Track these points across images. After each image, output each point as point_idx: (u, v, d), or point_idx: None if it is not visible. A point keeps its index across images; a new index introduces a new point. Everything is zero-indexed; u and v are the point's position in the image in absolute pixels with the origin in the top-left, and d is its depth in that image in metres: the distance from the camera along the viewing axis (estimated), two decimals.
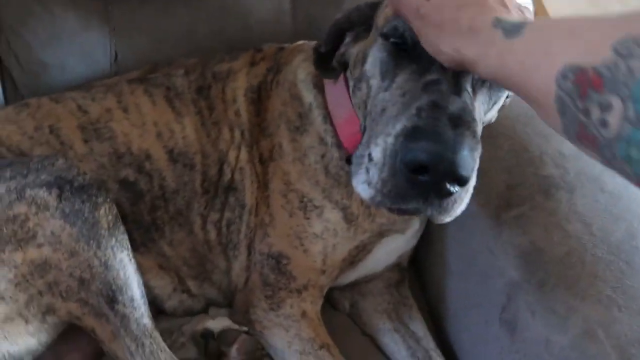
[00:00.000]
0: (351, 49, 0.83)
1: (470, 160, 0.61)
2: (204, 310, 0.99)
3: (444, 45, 0.61)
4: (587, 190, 0.85)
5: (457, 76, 0.66)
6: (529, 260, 0.80)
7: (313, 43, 0.97)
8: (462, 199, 0.66)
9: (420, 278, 1.09)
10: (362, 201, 0.87)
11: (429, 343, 0.96)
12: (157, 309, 0.95)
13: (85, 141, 0.92)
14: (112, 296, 0.77)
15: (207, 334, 0.91)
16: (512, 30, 0.54)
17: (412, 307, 1.02)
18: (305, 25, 1.17)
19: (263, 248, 0.90)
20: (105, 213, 0.79)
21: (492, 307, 0.84)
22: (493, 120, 0.83)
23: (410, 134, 0.62)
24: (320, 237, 0.87)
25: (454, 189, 0.62)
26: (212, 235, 0.94)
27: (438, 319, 1.01)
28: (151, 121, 0.94)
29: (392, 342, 0.98)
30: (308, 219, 0.87)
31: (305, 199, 0.87)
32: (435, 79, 0.66)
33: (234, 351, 0.89)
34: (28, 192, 0.75)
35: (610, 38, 0.43)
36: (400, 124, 0.63)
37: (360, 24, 0.81)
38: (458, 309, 0.94)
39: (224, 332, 0.91)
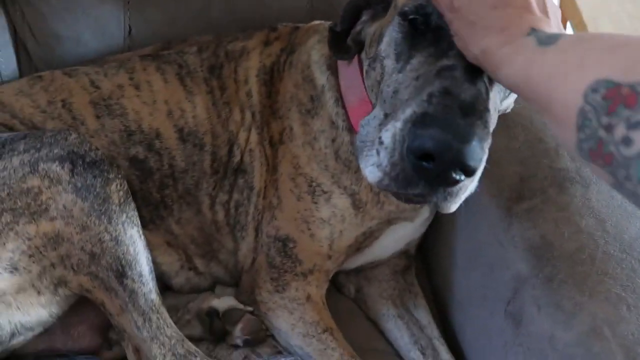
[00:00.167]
0: (368, 28, 0.81)
1: (479, 150, 0.60)
2: (211, 288, 1.00)
3: (472, 43, 0.60)
4: (603, 186, 0.83)
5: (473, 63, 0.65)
6: (537, 255, 0.79)
7: (329, 23, 0.96)
8: (467, 187, 0.65)
9: (427, 266, 1.09)
10: (371, 188, 0.87)
11: (433, 331, 0.96)
12: (164, 285, 0.96)
13: (97, 117, 0.92)
14: (121, 271, 0.78)
15: (212, 313, 0.92)
16: (547, 40, 0.52)
17: (418, 294, 1.02)
18: (322, 3, 1.15)
19: (270, 231, 0.90)
20: (117, 189, 0.79)
21: (498, 300, 0.83)
22: (509, 109, 0.81)
23: (419, 121, 0.60)
24: (327, 223, 0.87)
25: (460, 178, 0.61)
26: (220, 215, 0.95)
27: (443, 308, 1.01)
28: (162, 99, 0.94)
29: (396, 328, 0.98)
30: (316, 203, 0.87)
31: (313, 184, 0.87)
32: (450, 64, 0.64)
33: (238, 330, 0.90)
34: (41, 165, 0.76)
35: None
36: (410, 110, 0.62)
37: (378, 2, 0.79)
38: (464, 299, 0.94)
39: (229, 312, 0.92)
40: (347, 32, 0.82)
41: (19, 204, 0.74)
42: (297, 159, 0.88)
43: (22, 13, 1.08)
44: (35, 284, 0.78)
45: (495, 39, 0.57)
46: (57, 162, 0.76)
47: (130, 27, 1.11)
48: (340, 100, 0.87)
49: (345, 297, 1.05)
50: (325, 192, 0.87)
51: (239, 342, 0.91)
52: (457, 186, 0.63)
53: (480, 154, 0.60)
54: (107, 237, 0.77)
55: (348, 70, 0.86)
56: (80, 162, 0.77)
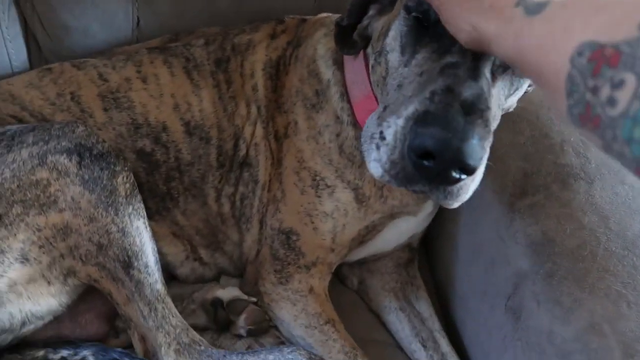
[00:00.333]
0: (375, 23, 0.81)
1: (479, 149, 0.60)
2: (216, 279, 1.02)
3: (462, 21, 0.59)
4: (607, 182, 0.82)
5: (477, 60, 0.64)
6: (538, 251, 0.79)
7: (336, 16, 0.95)
8: (468, 186, 0.65)
9: (430, 259, 1.09)
10: (374, 182, 0.87)
11: (434, 324, 0.97)
12: (169, 275, 0.98)
13: (105, 110, 0.93)
14: (127, 261, 0.80)
15: (216, 303, 0.94)
16: (534, 8, 0.51)
17: (420, 287, 1.03)
18: None
19: (274, 223, 0.91)
20: (123, 181, 0.80)
21: (498, 294, 0.84)
22: (512, 108, 0.80)
23: (421, 119, 0.61)
24: (330, 216, 0.88)
25: (460, 177, 0.61)
26: (226, 208, 0.96)
27: (445, 302, 1.02)
28: (169, 93, 0.94)
29: (397, 320, 0.99)
30: (319, 197, 0.88)
31: (317, 178, 0.88)
32: (453, 61, 0.64)
33: (241, 321, 0.92)
34: (50, 158, 0.77)
35: (636, 15, 0.41)
36: (413, 107, 0.62)
37: None
38: (465, 293, 0.95)
39: (233, 302, 0.93)
40: (353, 26, 0.82)
41: (29, 195, 0.76)
42: (302, 153, 0.89)
43: (32, 4, 1.09)
44: (46, 275, 0.79)
45: (485, 15, 0.56)
46: (64, 155, 0.77)
47: (138, 18, 1.11)
48: (345, 95, 0.87)
49: (348, 289, 1.06)
50: (328, 186, 0.88)
51: (242, 332, 0.92)
52: (458, 185, 0.64)
53: (480, 152, 0.60)
54: (114, 228, 0.79)
55: (354, 65, 0.86)
56: (88, 155, 0.78)
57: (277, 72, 0.94)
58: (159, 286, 0.82)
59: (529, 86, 0.78)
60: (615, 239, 0.76)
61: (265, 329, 0.93)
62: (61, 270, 0.80)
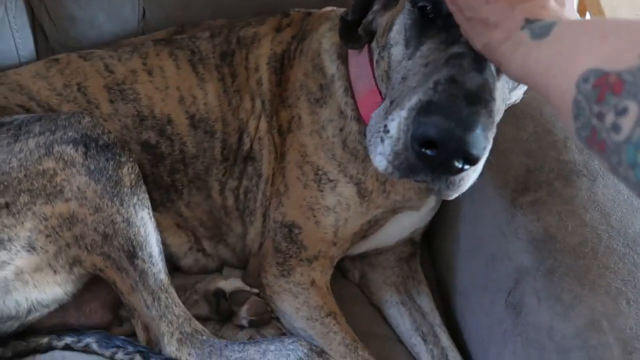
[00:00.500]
0: (379, 18, 0.81)
1: (483, 139, 0.60)
2: (218, 270, 1.03)
3: (476, 40, 0.61)
4: (610, 179, 0.82)
5: None
6: (539, 247, 0.80)
7: (341, 10, 0.96)
8: (469, 176, 0.65)
9: (431, 254, 1.10)
10: (377, 177, 0.88)
11: (435, 318, 0.98)
12: (173, 266, 0.99)
13: (111, 101, 0.94)
14: (132, 251, 0.81)
15: (219, 294, 0.94)
16: (540, 32, 0.53)
17: (421, 282, 1.03)
18: None
19: (277, 217, 0.91)
20: (128, 172, 0.81)
21: (499, 290, 0.84)
22: (518, 100, 0.80)
23: (424, 109, 0.61)
24: (333, 210, 0.88)
25: (463, 166, 0.61)
26: (230, 201, 0.96)
27: (446, 296, 1.02)
28: (174, 85, 0.95)
29: (398, 314, 1.00)
30: (321, 191, 0.88)
31: (320, 172, 0.88)
32: (459, 52, 0.64)
33: (243, 311, 0.93)
34: (56, 148, 0.78)
35: (638, 45, 0.43)
36: (416, 97, 0.62)
37: None
38: (466, 288, 0.95)
39: (235, 293, 0.94)
40: (358, 21, 0.82)
41: (36, 185, 0.77)
42: (305, 148, 0.89)
43: None
44: (52, 264, 0.80)
45: (493, 35, 0.57)
46: (71, 145, 0.78)
47: (144, 10, 1.12)
48: (349, 89, 0.87)
49: (350, 282, 1.07)
50: (331, 181, 0.88)
51: (244, 322, 0.93)
52: (460, 175, 0.64)
53: (483, 142, 0.60)
54: (119, 218, 0.80)
55: (358, 60, 0.86)
56: (94, 145, 0.79)
57: (282, 66, 0.95)
58: (163, 276, 0.83)
59: None
60: (616, 236, 0.77)
61: (267, 320, 0.94)
62: (67, 260, 0.81)
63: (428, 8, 0.69)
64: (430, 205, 0.96)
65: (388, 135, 0.64)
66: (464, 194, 0.69)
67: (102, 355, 0.84)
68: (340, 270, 1.07)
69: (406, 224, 0.96)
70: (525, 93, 0.80)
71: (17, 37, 1.09)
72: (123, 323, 0.92)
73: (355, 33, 0.83)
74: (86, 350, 0.84)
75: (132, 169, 0.82)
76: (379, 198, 0.89)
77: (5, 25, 1.07)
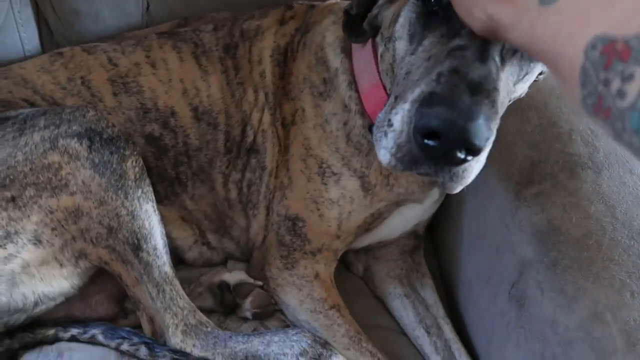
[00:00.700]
0: (385, 12, 0.80)
1: (485, 129, 0.59)
2: (223, 263, 1.03)
3: (476, 9, 0.59)
4: (615, 172, 0.82)
5: (485, 43, 0.64)
6: (543, 239, 0.79)
7: (344, 3, 0.95)
8: (472, 167, 0.65)
9: (435, 247, 1.10)
10: (380, 170, 0.88)
11: (438, 311, 0.98)
12: (178, 259, 0.99)
13: (115, 94, 0.94)
14: (137, 244, 0.81)
15: (223, 286, 0.95)
16: None
17: (425, 274, 1.03)
18: None
19: (280, 210, 0.92)
20: (133, 165, 0.82)
21: (503, 282, 0.84)
22: (523, 94, 0.80)
23: (426, 100, 0.61)
24: (336, 204, 0.88)
25: (466, 157, 0.61)
26: (233, 194, 0.97)
27: (450, 289, 1.02)
28: (178, 78, 0.95)
29: (402, 306, 1.00)
30: (325, 184, 0.88)
31: (324, 165, 0.88)
32: (461, 44, 0.64)
33: (247, 304, 0.93)
34: (61, 141, 0.78)
35: None
36: (419, 90, 0.62)
37: None
38: (470, 280, 0.95)
39: (239, 285, 0.95)
40: (362, 15, 0.82)
41: (41, 178, 0.77)
42: (309, 141, 0.89)
43: None
44: (58, 257, 0.81)
45: (500, 4, 0.56)
46: (75, 139, 0.78)
47: (148, 3, 1.12)
48: (353, 83, 0.87)
49: (354, 275, 1.07)
50: (335, 174, 0.88)
51: (248, 314, 0.94)
52: (463, 166, 0.63)
53: (486, 133, 0.59)
54: (123, 211, 0.80)
55: (362, 54, 0.86)
56: (98, 139, 0.79)
57: (285, 58, 0.95)
58: (167, 269, 0.84)
59: (540, 74, 0.77)
60: (621, 228, 0.76)
61: (271, 312, 0.94)
62: (73, 253, 0.82)
63: (432, 0, 0.68)
64: (433, 198, 0.95)
65: (392, 129, 0.64)
66: (467, 187, 0.69)
67: (107, 346, 0.85)
68: (344, 263, 1.08)
69: (409, 216, 0.96)
70: (530, 87, 0.79)
71: (22, 31, 1.09)
72: (128, 315, 0.93)
73: (359, 27, 0.83)
74: (92, 341, 0.85)
75: (136, 162, 0.82)
76: (382, 191, 0.89)
77: (10, 19, 1.07)
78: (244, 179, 0.96)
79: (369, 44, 0.85)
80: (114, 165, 0.80)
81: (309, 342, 0.82)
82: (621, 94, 0.43)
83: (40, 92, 0.94)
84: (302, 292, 0.90)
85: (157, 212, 0.84)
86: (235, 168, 0.95)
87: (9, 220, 0.76)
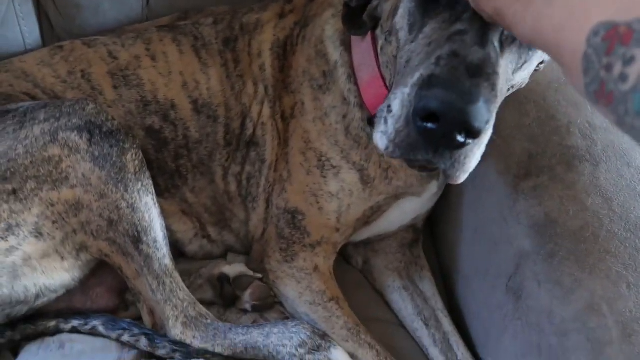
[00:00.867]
0: (384, 3, 0.80)
1: (485, 111, 0.59)
2: (223, 256, 1.04)
3: (485, 4, 0.60)
4: (613, 165, 0.82)
5: (484, 28, 0.64)
6: (541, 232, 0.80)
7: None
8: (473, 153, 0.64)
9: (434, 240, 1.10)
10: (379, 164, 0.88)
11: (437, 303, 0.98)
12: (178, 252, 1.00)
13: (115, 87, 0.94)
14: (137, 237, 0.82)
15: (223, 278, 0.96)
16: None
17: (424, 267, 1.04)
18: None
19: (280, 203, 0.92)
20: (132, 158, 0.82)
21: (500, 274, 0.85)
22: (524, 84, 0.80)
23: (426, 83, 0.60)
24: (336, 197, 0.89)
25: (465, 140, 0.60)
26: (233, 187, 0.97)
27: (449, 281, 1.03)
28: (177, 71, 0.95)
29: (400, 299, 1.01)
30: (325, 177, 0.89)
31: (323, 158, 0.89)
32: (461, 29, 0.64)
33: (247, 296, 0.94)
34: (61, 135, 0.78)
35: None
36: (419, 74, 0.62)
37: None
38: (468, 273, 0.96)
39: (239, 278, 0.95)
40: (362, 7, 0.82)
41: (42, 171, 0.77)
42: (308, 134, 0.90)
43: None
44: (59, 250, 0.81)
45: None
46: (75, 132, 0.79)
47: None
48: (352, 76, 0.87)
49: (353, 268, 1.08)
50: (334, 167, 0.88)
51: (247, 307, 0.94)
52: (464, 151, 0.63)
53: (486, 115, 0.59)
54: (123, 204, 0.80)
55: (361, 47, 0.86)
56: (98, 132, 0.80)
57: (285, 52, 0.95)
58: (167, 261, 0.84)
59: (540, 63, 0.77)
60: (618, 221, 0.77)
61: (270, 305, 0.95)
62: (74, 246, 0.82)
63: None
64: (432, 191, 0.96)
65: (391, 115, 0.64)
66: (466, 180, 0.69)
67: (108, 337, 0.85)
68: (344, 257, 1.08)
69: (408, 209, 0.97)
70: (530, 78, 0.80)
71: (23, 25, 1.09)
72: (129, 307, 0.93)
73: (359, 19, 0.83)
74: (93, 332, 0.86)
75: (136, 155, 0.83)
76: (381, 184, 0.89)
77: (11, 13, 1.07)
78: (243, 171, 0.96)
79: (368, 37, 0.85)
80: (114, 159, 0.80)
81: (308, 333, 0.83)
82: (623, 77, 0.44)
83: (41, 86, 0.94)
84: (302, 285, 0.90)
85: (157, 204, 0.84)
86: (235, 161, 0.96)
87: (10, 213, 0.77)
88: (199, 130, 0.95)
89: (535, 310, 0.77)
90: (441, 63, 0.61)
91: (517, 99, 0.87)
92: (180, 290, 0.85)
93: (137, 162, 0.83)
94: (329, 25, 0.92)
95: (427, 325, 0.96)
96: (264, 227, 0.96)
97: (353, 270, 1.07)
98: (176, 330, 0.84)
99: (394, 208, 0.94)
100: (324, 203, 0.89)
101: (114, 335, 0.85)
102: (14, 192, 0.77)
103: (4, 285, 0.80)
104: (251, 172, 0.96)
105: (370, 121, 0.74)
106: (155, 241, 0.83)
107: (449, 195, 1.01)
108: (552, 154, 0.85)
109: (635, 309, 0.69)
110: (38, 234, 0.79)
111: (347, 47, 0.89)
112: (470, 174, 0.68)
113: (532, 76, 0.80)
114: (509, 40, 0.67)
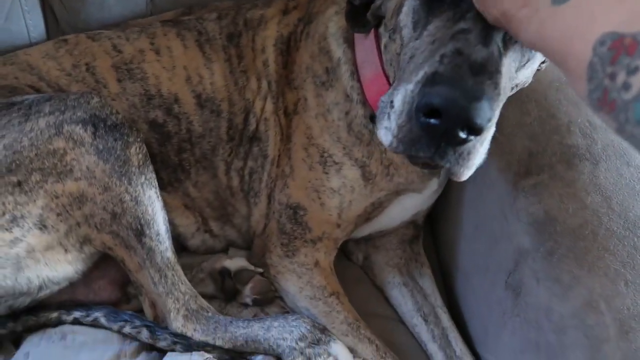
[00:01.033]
0: (388, 2, 0.81)
1: (487, 109, 0.59)
2: (224, 251, 1.04)
3: (492, 6, 0.61)
4: (612, 163, 0.83)
5: (488, 28, 0.64)
6: (540, 229, 0.80)
7: None
8: (476, 150, 0.65)
9: (434, 237, 1.11)
10: (381, 160, 0.89)
11: (436, 300, 0.99)
12: (180, 246, 1.01)
13: (119, 81, 0.95)
14: (140, 230, 0.82)
15: (224, 272, 0.96)
16: None
17: (424, 264, 1.04)
18: None
19: (282, 198, 0.93)
20: (136, 152, 0.83)
21: (499, 271, 0.85)
22: (527, 83, 0.80)
23: (429, 80, 0.61)
24: (337, 193, 0.89)
25: (467, 137, 0.61)
26: (235, 182, 0.98)
27: (448, 278, 1.03)
28: (181, 65, 0.96)
29: (400, 295, 1.01)
30: (327, 173, 0.89)
31: (325, 154, 0.89)
32: (465, 28, 0.64)
33: (248, 290, 0.95)
34: (66, 127, 0.79)
35: None
36: (422, 71, 0.63)
37: None
38: (467, 270, 0.96)
39: (240, 272, 0.96)
40: (365, 5, 0.82)
41: (47, 164, 0.78)
42: (311, 130, 0.90)
43: None
44: (63, 242, 0.82)
45: (514, 2, 0.58)
46: (80, 125, 0.79)
47: None
48: (355, 73, 0.87)
49: (354, 264, 1.09)
50: (336, 163, 0.89)
51: (248, 300, 0.95)
52: (467, 147, 0.63)
53: (488, 113, 0.60)
54: (127, 197, 0.81)
55: (364, 44, 0.86)
56: (102, 125, 0.80)
57: (288, 48, 0.95)
58: (169, 254, 0.85)
59: (542, 62, 0.78)
60: (617, 219, 0.77)
61: (271, 299, 0.95)
62: (77, 238, 0.83)
63: None
64: (432, 188, 0.96)
65: (393, 110, 0.65)
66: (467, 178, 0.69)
67: (110, 329, 0.86)
68: (344, 252, 1.09)
69: (408, 205, 0.97)
70: (533, 77, 0.80)
71: (27, 18, 1.09)
72: (131, 300, 0.94)
73: (362, 17, 0.83)
74: (94, 324, 0.86)
75: (139, 148, 0.83)
76: (382, 181, 0.90)
77: (16, 7, 1.08)
78: (246, 166, 0.97)
79: (371, 35, 0.85)
80: (118, 152, 0.80)
81: (308, 327, 0.83)
82: (626, 86, 0.45)
83: (46, 79, 0.95)
84: (302, 280, 0.91)
85: (160, 198, 0.85)
86: (237, 156, 0.96)
87: (15, 205, 0.77)
88: (202, 124, 0.95)
89: (533, 307, 0.77)
90: (445, 61, 0.62)
91: (518, 98, 0.88)
92: (181, 283, 0.86)
93: (140, 155, 0.83)
94: (333, 23, 0.92)
95: (426, 321, 0.97)
96: (266, 222, 0.97)
97: (353, 266, 1.08)
98: (177, 323, 0.85)
99: (394, 204, 0.95)
100: (325, 199, 0.90)
101: (115, 327, 0.86)
102: (19, 184, 0.77)
103: (8, 276, 0.80)
104: (253, 167, 0.96)
105: (373, 118, 0.74)
106: (158, 234, 0.83)
107: (450, 193, 1.02)
108: (553, 152, 0.85)
109: (632, 306, 0.70)
110: (42, 226, 0.79)
111: (350, 44, 0.89)
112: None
113: (533, 75, 0.80)
114: (512, 39, 0.67)
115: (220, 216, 1.01)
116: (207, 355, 0.81)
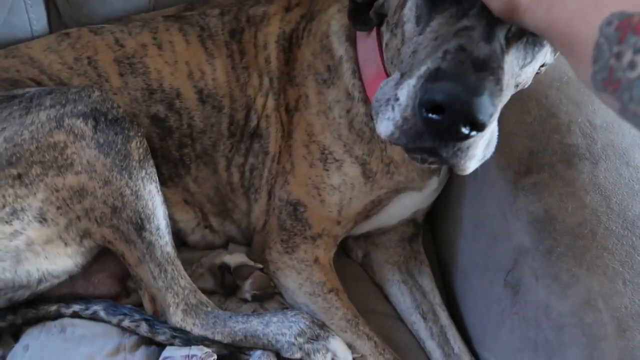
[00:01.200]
0: (392, 0, 0.81)
1: (489, 105, 0.60)
2: (224, 246, 1.04)
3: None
4: (612, 163, 0.83)
5: (492, 24, 0.65)
6: (540, 228, 0.81)
7: None
8: (478, 145, 0.65)
9: (434, 236, 1.11)
10: (381, 158, 0.89)
11: (435, 297, 0.99)
12: (180, 242, 1.01)
13: (121, 75, 0.95)
14: (140, 224, 0.82)
15: (224, 268, 0.97)
16: None
17: (423, 262, 1.05)
18: None
19: (282, 195, 0.93)
20: (137, 146, 0.83)
21: (498, 270, 0.86)
22: (528, 84, 0.80)
23: (432, 76, 0.62)
24: (338, 190, 0.90)
25: (470, 132, 0.61)
26: (236, 178, 0.98)
27: (448, 276, 1.04)
28: (183, 60, 0.96)
29: (399, 292, 1.02)
30: (327, 170, 0.89)
31: (326, 152, 0.89)
32: (468, 25, 0.65)
33: (247, 285, 0.95)
34: (66, 121, 0.79)
35: None
36: (425, 67, 0.63)
37: None
38: (466, 268, 0.97)
39: (239, 267, 0.96)
40: (368, 3, 0.82)
41: (47, 157, 0.78)
42: (312, 127, 0.90)
43: None
44: (63, 236, 0.82)
45: None
46: (81, 119, 0.79)
47: None
48: (357, 71, 0.88)
49: (353, 261, 1.09)
50: (337, 160, 0.89)
51: (247, 296, 0.95)
52: (467, 142, 0.64)
53: (490, 109, 0.60)
54: (127, 191, 0.81)
55: (366, 42, 0.87)
56: (103, 119, 0.80)
57: (290, 45, 0.95)
58: (169, 249, 0.85)
59: (542, 66, 0.78)
60: (616, 218, 0.77)
61: (270, 294, 0.96)
62: (77, 232, 0.83)
63: None
64: (432, 186, 0.97)
65: (398, 103, 0.65)
66: (467, 176, 0.70)
67: (109, 322, 0.86)
68: (344, 250, 1.09)
69: (408, 203, 0.97)
70: (532, 79, 0.80)
71: (30, 12, 1.09)
72: (130, 294, 0.94)
73: (365, 15, 0.83)
74: (94, 317, 0.87)
75: (140, 143, 0.83)
76: (383, 179, 0.90)
77: (19, 0, 1.08)
78: (246, 163, 0.97)
79: (373, 33, 0.86)
80: (119, 146, 0.81)
81: (307, 323, 0.84)
82: (632, 65, 0.45)
83: (47, 72, 0.95)
84: (302, 276, 0.91)
85: (160, 192, 0.85)
86: (238, 152, 0.97)
87: (15, 197, 0.77)
88: (203, 120, 0.95)
89: (532, 305, 0.78)
90: (448, 57, 0.62)
91: (519, 97, 0.88)
92: (181, 278, 0.86)
93: (141, 149, 0.83)
94: (335, 20, 0.92)
95: (424, 318, 0.97)
96: (266, 219, 0.97)
97: (353, 263, 1.08)
98: (177, 317, 0.85)
99: (394, 202, 0.95)
100: (325, 196, 0.90)
101: (114, 320, 0.86)
102: (19, 176, 0.78)
103: (7, 269, 0.80)
104: (254, 163, 0.96)
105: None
106: (158, 229, 0.83)
107: (450, 191, 1.02)
108: (553, 151, 0.86)
109: (630, 305, 0.70)
110: (42, 219, 0.80)
111: (352, 42, 0.89)
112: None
113: (534, 76, 0.80)
114: (515, 37, 0.68)
115: (220, 212, 1.01)
116: (205, 349, 0.81)
